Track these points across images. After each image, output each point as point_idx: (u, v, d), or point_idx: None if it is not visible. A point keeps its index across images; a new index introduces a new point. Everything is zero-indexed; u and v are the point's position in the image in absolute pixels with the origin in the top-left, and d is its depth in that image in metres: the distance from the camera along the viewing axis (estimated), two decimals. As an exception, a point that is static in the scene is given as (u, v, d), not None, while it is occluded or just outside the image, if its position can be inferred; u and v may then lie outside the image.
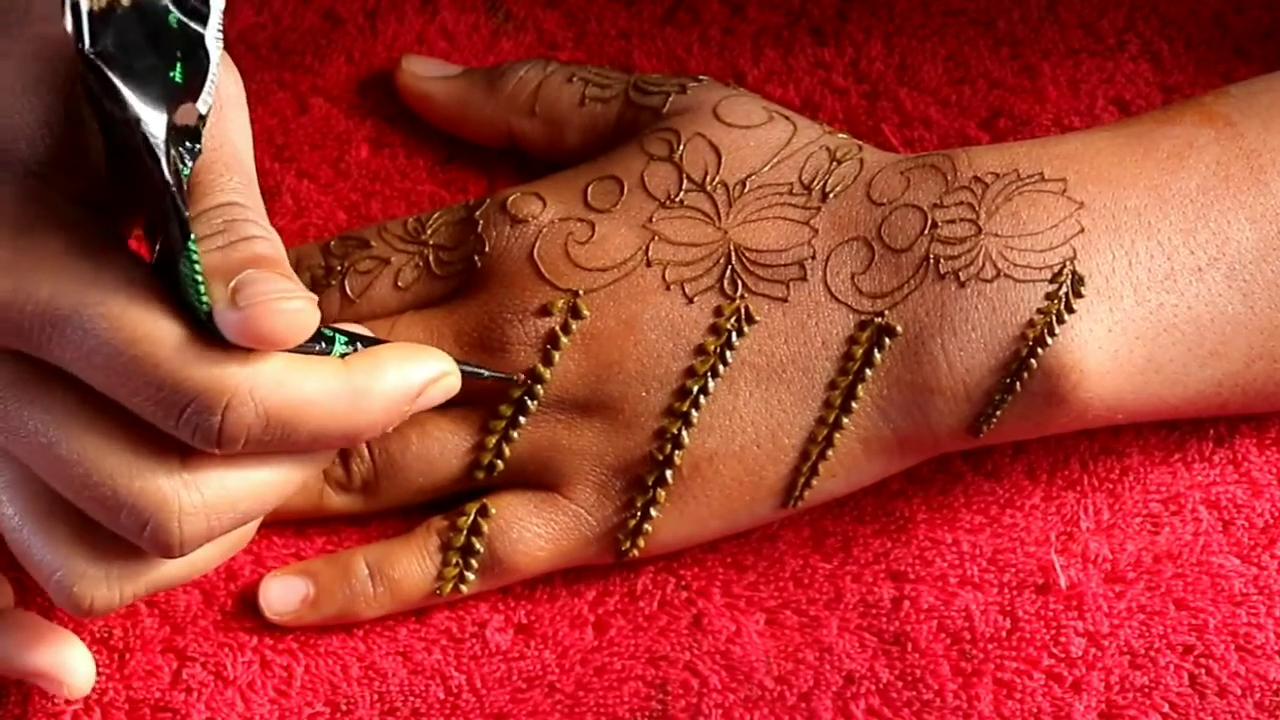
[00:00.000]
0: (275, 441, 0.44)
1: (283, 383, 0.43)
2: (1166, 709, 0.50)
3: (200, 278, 0.42)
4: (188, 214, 0.42)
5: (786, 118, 0.54)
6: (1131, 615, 0.51)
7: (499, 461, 0.51)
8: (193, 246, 0.42)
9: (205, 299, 0.42)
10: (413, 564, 0.51)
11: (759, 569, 0.53)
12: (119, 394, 0.43)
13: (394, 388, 0.46)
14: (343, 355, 0.46)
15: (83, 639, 0.51)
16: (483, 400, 0.52)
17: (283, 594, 0.51)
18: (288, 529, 0.53)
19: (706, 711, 0.51)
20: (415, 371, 0.46)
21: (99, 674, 0.51)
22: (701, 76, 0.55)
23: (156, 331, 0.42)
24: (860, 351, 0.50)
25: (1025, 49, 0.59)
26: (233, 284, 0.42)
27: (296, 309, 0.43)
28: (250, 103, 0.59)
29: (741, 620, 0.52)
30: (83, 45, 0.40)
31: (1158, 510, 0.53)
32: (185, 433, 0.43)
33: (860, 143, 0.53)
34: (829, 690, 0.51)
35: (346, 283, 0.53)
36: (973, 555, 0.52)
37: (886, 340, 0.50)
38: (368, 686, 0.51)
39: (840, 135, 0.54)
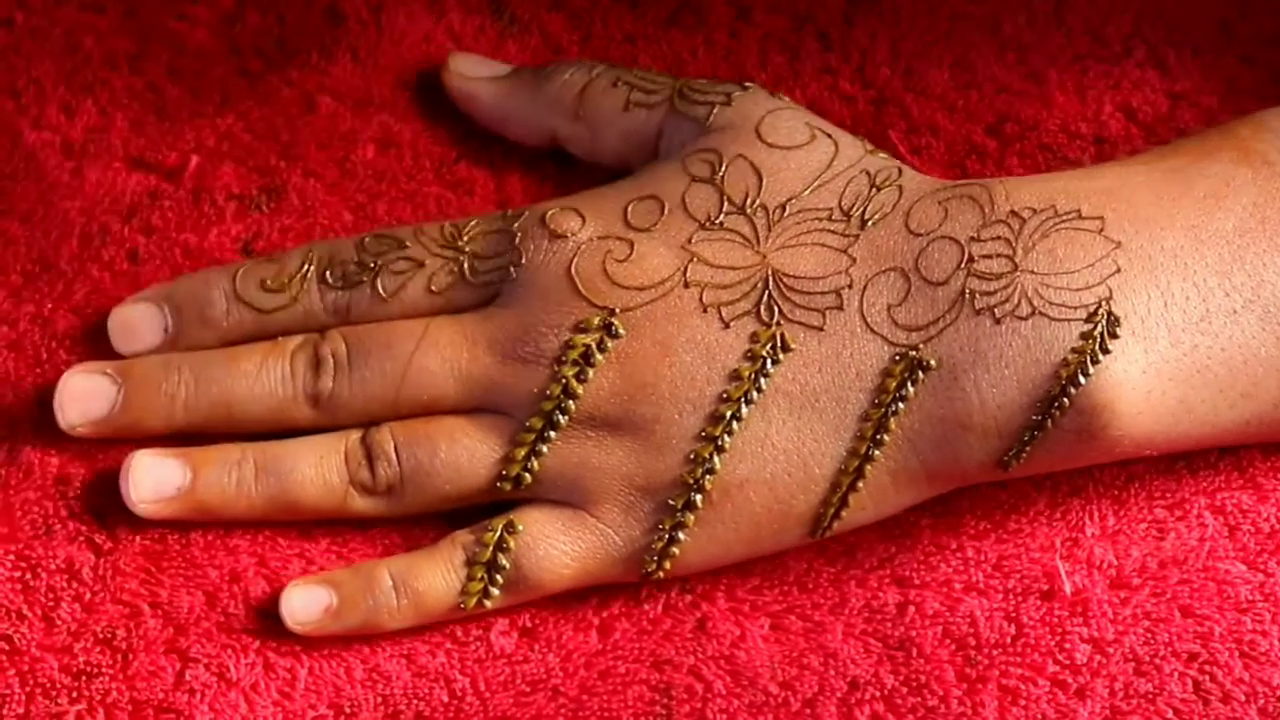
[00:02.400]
0: None
1: None
2: (1170, 715, 0.50)
3: None
4: None
5: (829, 135, 0.54)
6: (1136, 622, 0.52)
7: (526, 474, 0.51)
8: None
9: None
10: (437, 577, 0.51)
11: (763, 573, 0.53)
12: None
13: None
14: None
15: (86, 639, 0.51)
16: (513, 412, 0.52)
17: (305, 603, 0.51)
18: (292, 531, 0.53)
19: (711, 717, 0.51)
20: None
21: (102, 674, 0.51)
22: (748, 84, 0.55)
23: None
24: (894, 384, 0.50)
25: (1032, 54, 0.60)
26: None
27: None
28: (256, 101, 0.60)
29: (746, 625, 0.52)
30: None
31: (1163, 516, 0.53)
32: None
33: (900, 165, 0.54)
34: (833, 696, 0.51)
35: (379, 281, 0.54)
36: (977, 561, 0.53)
37: (920, 374, 0.50)
38: (371, 689, 0.51)
39: (881, 155, 0.54)
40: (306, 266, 0.54)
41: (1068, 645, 0.51)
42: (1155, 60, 0.60)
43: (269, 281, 0.54)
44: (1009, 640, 0.51)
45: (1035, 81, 0.59)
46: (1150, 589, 0.52)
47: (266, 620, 0.52)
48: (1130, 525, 0.53)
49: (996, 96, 0.59)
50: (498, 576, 0.51)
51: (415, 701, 0.51)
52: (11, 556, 0.52)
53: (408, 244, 0.54)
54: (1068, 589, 0.52)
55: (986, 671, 0.51)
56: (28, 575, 0.52)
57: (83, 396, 0.53)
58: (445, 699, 0.51)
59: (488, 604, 0.52)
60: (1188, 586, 0.52)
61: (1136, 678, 0.51)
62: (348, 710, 0.51)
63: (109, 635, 0.52)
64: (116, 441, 0.53)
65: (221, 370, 0.53)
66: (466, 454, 0.52)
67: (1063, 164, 0.58)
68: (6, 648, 0.51)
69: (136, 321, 0.54)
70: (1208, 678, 0.51)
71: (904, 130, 0.59)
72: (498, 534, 0.51)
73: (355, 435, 0.53)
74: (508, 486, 0.52)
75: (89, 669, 0.51)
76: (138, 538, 0.53)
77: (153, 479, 0.52)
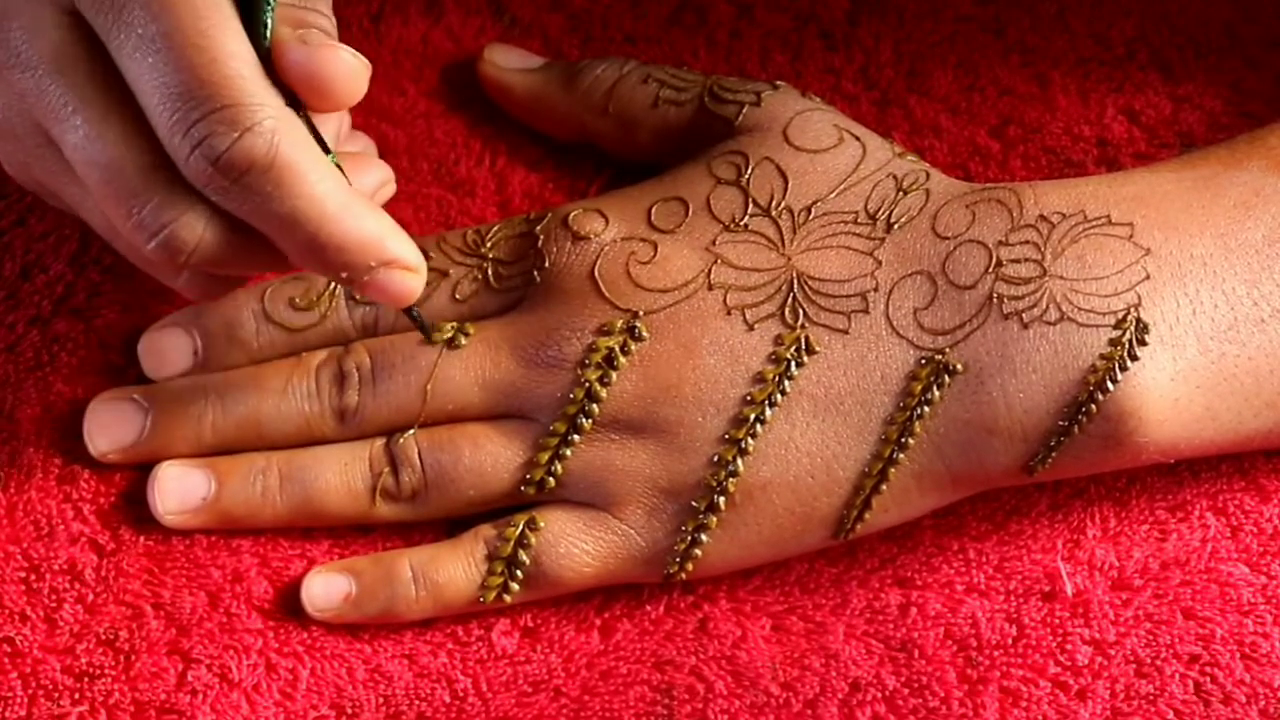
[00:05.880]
0: (257, 198, 0.45)
1: (303, 145, 0.46)
2: (1171, 717, 0.52)
3: (270, 14, 0.46)
4: None
5: (857, 138, 0.56)
6: (1138, 624, 0.54)
7: (550, 478, 0.53)
8: None
9: (268, 35, 0.46)
10: (458, 570, 0.54)
11: (765, 573, 0.55)
12: (157, 81, 0.45)
13: (372, 235, 0.47)
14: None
15: (88, 640, 0.54)
16: (537, 416, 0.54)
17: (325, 590, 0.54)
18: (294, 532, 0.55)
19: (712, 717, 0.53)
20: (395, 243, 0.48)
21: (104, 676, 0.53)
22: (778, 83, 0.57)
23: (226, 35, 0.45)
24: (919, 388, 0.52)
25: (1035, 57, 0.62)
26: (300, 30, 0.46)
27: (354, 63, 0.46)
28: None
29: (747, 625, 0.54)
30: None
31: (1164, 517, 0.55)
32: (193, 138, 0.45)
33: (928, 168, 0.55)
34: (835, 697, 0.53)
35: None
36: (979, 562, 0.55)
37: (946, 378, 0.52)
38: (373, 690, 0.54)
39: (909, 158, 0.56)
40: (333, 283, 0.56)
41: (1069, 647, 0.53)
42: (1159, 63, 0.61)
43: (297, 300, 0.56)
44: (1010, 641, 0.54)
45: (1039, 84, 0.61)
46: (1152, 590, 0.54)
47: (269, 621, 0.54)
48: (1132, 527, 0.55)
49: (1000, 99, 0.61)
50: (518, 572, 0.53)
51: (417, 702, 0.53)
52: (14, 558, 0.54)
53: (431, 254, 0.56)
54: (1069, 590, 0.54)
55: (988, 673, 0.53)
56: (30, 576, 0.54)
57: (111, 424, 0.55)
58: (447, 699, 0.54)
59: (507, 598, 0.54)
60: (1189, 588, 0.54)
61: (1138, 679, 0.53)
62: (349, 711, 0.53)
63: (111, 636, 0.54)
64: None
65: (248, 391, 0.55)
66: (490, 459, 0.54)
67: (1066, 166, 0.60)
68: (9, 649, 0.53)
69: (166, 346, 0.56)
70: (1209, 679, 0.53)
71: (907, 131, 0.61)
72: (519, 530, 0.53)
73: (379, 442, 0.55)
74: (531, 490, 0.54)
75: (91, 670, 0.53)
76: (141, 538, 0.55)
77: (179, 490, 0.54)
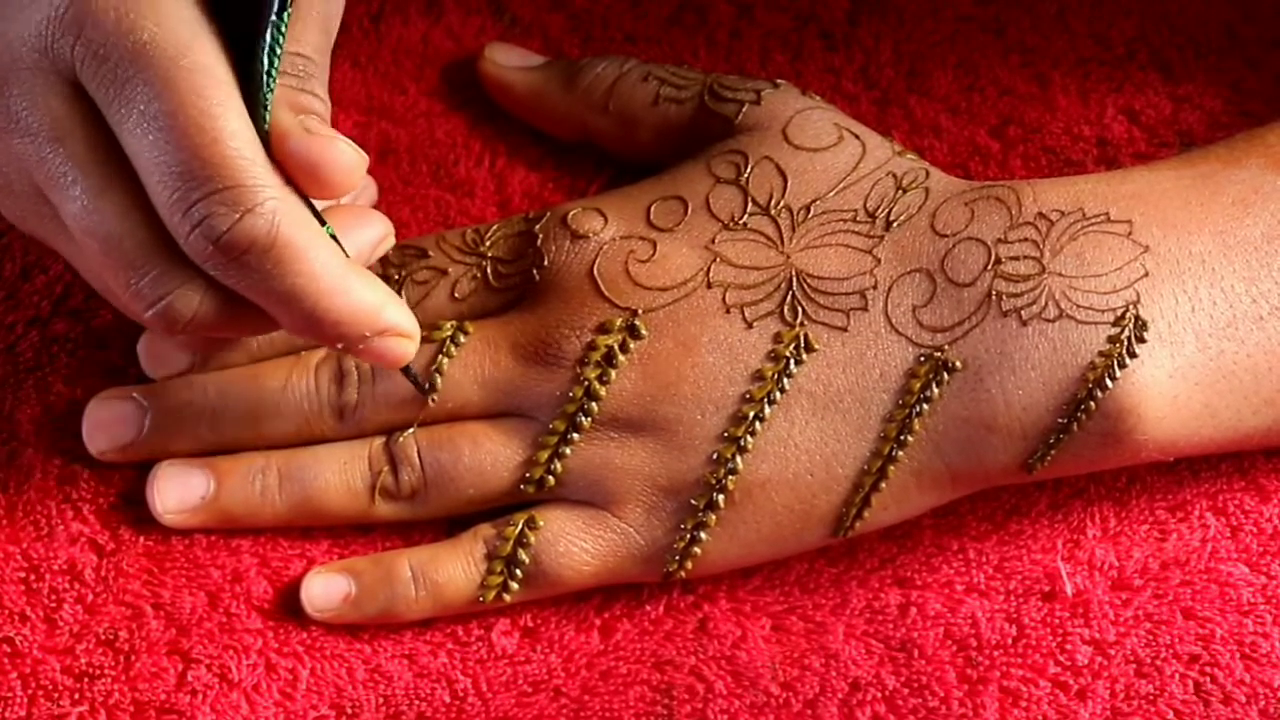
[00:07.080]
0: (256, 275, 0.46)
1: (302, 224, 0.46)
2: (1171, 717, 0.53)
3: (269, 95, 0.46)
4: (284, 28, 0.46)
5: (857, 136, 0.56)
6: (1138, 624, 0.54)
7: (550, 477, 0.54)
8: (276, 62, 0.46)
9: (267, 116, 0.46)
10: (457, 569, 0.54)
11: (765, 573, 0.55)
12: (158, 159, 0.45)
13: (368, 307, 0.48)
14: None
15: (88, 640, 0.54)
16: (536, 414, 0.54)
17: (325, 591, 0.54)
18: (294, 532, 0.56)
19: (712, 717, 0.53)
20: (391, 312, 0.49)
21: (104, 676, 0.54)
22: (779, 81, 0.58)
23: (228, 115, 0.45)
24: (918, 385, 0.52)
25: (1036, 57, 0.62)
26: (300, 116, 0.47)
27: (353, 156, 0.47)
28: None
29: (747, 625, 0.55)
30: None
31: (1164, 517, 0.56)
32: (193, 218, 0.45)
33: (928, 166, 0.56)
34: (835, 697, 0.54)
35: (403, 292, 0.56)
36: (979, 562, 0.55)
37: (945, 375, 0.52)
38: (373, 690, 0.54)
39: (909, 156, 0.56)
40: None
41: (1069, 646, 0.54)
42: (1158, 63, 0.62)
43: None
44: (1010, 641, 0.54)
45: (1039, 84, 0.62)
46: (1152, 590, 0.55)
47: (268, 621, 0.55)
48: (1132, 526, 0.56)
49: (1000, 99, 0.62)
50: (517, 571, 0.54)
51: (417, 702, 0.54)
52: (14, 558, 0.55)
53: (430, 253, 0.57)
54: (1069, 590, 0.55)
55: (988, 673, 0.54)
56: (30, 577, 0.55)
57: (110, 423, 0.56)
58: (447, 699, 0.54)
59: (507, 598, 0.54)
60: (1189, 588, 0.55)
61: (1138, 679, 0.53)
62: (349, 711, 0.54)
63: (111, 636, 0.54)
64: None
65: (247, 389, 0.55)
66: (490, 458, 0.54)
67: (1066, 166, 0.60)
68: (8, 649, 0.54)
69: (166, 345, 0.56)
70: (1209, 679, 0.53)
71: (907, 131, 0.61)
72: (519, 529, 0.54)
73: (378, 441, 0.55)
74: (531, 489, 0.54)
75: (91, 670, 0.54)
76: (140, 538, 0.55)
77: (178, 489, 0.55)
